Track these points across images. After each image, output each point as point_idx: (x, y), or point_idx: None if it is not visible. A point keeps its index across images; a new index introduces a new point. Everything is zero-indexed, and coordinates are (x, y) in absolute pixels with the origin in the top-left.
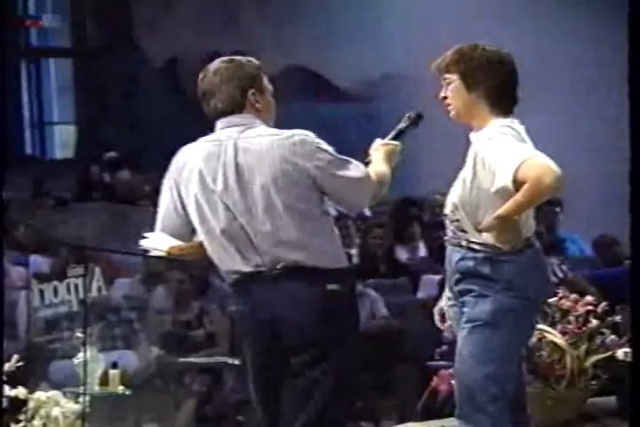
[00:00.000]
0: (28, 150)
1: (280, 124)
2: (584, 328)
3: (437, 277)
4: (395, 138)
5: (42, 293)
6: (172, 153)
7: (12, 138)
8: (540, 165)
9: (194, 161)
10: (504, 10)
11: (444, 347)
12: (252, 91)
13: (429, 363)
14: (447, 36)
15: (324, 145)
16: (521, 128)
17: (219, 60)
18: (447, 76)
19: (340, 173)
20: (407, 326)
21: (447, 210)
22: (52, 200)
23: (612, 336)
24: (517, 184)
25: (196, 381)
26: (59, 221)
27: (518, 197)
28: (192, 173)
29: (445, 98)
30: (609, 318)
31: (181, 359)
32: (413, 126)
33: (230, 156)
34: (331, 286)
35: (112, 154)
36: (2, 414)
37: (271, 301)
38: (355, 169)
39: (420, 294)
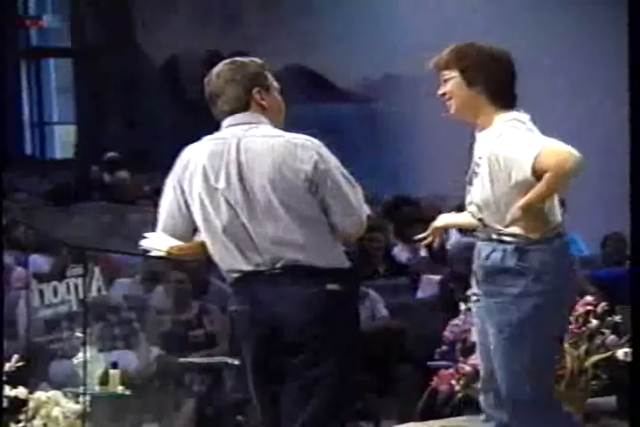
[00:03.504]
0: (28, 150)
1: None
2: (584, 328)
3: (437, 277)
4: None
5: (41, 293)
6: (173, 153)
7: (12, 138)
8: (558, 151)
9: (198, 159)
10: (504, 9)
11: (444, 347)
12: (256, 89)
13: (429, 363)
14: (447, 36)
15: (327, 152)
16: (526, 118)
17: (222, 62)
18: (446, 72)
19: (345, 187)
20: (407, 326)
21: (471, 210)
22: (51, 200)
23: (612, 336)
24: (537, 174)
25: (196, 381)
26: (59, 221)
27: (541, 185)
28: (196, 170)
29: (444, 95)
30: (609, 318)
31: (181, 359)
32: None
33: (233, 154)
34: (331, 286)
35: (112, 154)
36: (2, 414)
37: (271, 300)
38: (359, 191)
39: (420, 294)
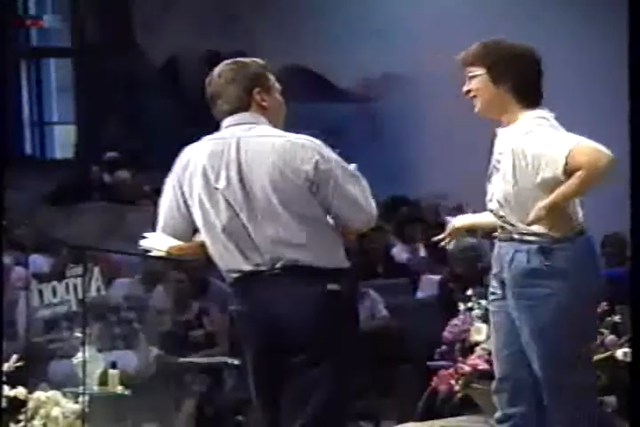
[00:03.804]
0: (28, 150)
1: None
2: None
3: (437, 277)
4: None
5: (41, 293)
6: (173, 153)
7: (12, 138)
8: (592, 150)
9: (198, 159)
10: (504, 9)
11: (444, 347)
12: (257, 89)
13: (429, 363)
14: (448, 36)
15: (329, 152)
16: (551, 116)
17: (224, 62)
18: (472, 69)
19: (349, 185)
20: (407, 326)
21: (492, 206)
22: (51, 200)
23: (612, 336)
24: (568, 172)
25: (196, 381)
26: (59, 221)
27: (571, 183)
28: (196, 170)
29: (469, 92)
30: (608, 318)
31: (181, 359)
32: None
33: (233, 154)
34: (330, 286)
35: (112, 154)
36: (2, 414)
37: (271, 300)
38: (365, 185)
39: (420, 294)
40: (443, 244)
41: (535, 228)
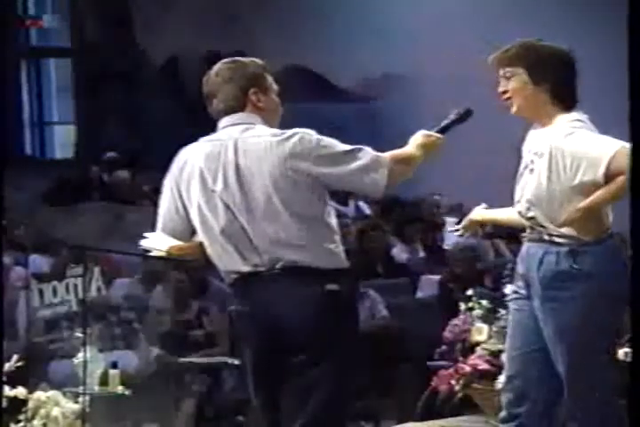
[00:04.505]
0: (28, 150)
1: (280, 124)
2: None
3: (437, 278)
4: (440, 131)
5: (41, 292)
6: (172, 153)
7: (12, 138)
8: None
9: (195, 161)
10: (504, 9)
11: (444, 347)
12: (253, 90)
13: (429, 363)
14: (448, 36)
15: (326, 140)
16: (587, 119)
17: (222, 61)
18: (509, 69)
19: (345, 166)
20: (407, 326)
21: (521, 208)
22: (51, 200)
23: None
24: (609, 176)
25: (196, 381)
26: (59, 221)
27: (611, 187)
28: (193, 172)
29: (505, 92)
30: None
31: (181, 359)
32: (460, 121)
33: (231, 156)
34: (330, 287)
35: (111, 154)
36: (2, 414)
37: (270, 301)
38: (361, 156)
39: (420, 294)
40: (458, 234)
41: (566, 230)
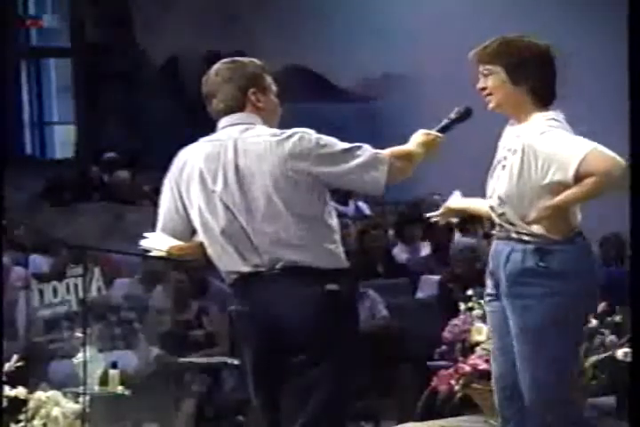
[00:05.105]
0: (28, 150)
1: (280, 124)
2: (583, 328)
3: (436, 278)
4: (440, 130)
5: (41, 292)
6: (172, 153)
7: (12, 138)
8: (607, 158)
9: (194, 161)
10: (504, 9)
11: (444, 347)
12: (252, 90)
13: (429, 363)
14: (448, 36)
15: (325, 139)
16: (563, 118)
17: (221, 61)
18: (488, 67)
19: (345, 165)
20: (407, 326)
21: (493, 203)
22: (51, 200)
23: (612, 336)
24: (579, 176)
25: (196, 381)
26: (59, 221)
27: (580, 188)
28: (192, 172)
29: (484, 89)
30: (609, 318)
31: (181, 359)
32: (460, 120)
33: (230, 156)
34: (330, 287)
35: (111, 154)
36: (2, 414)
37: (270, 301)
38: (361, 154)
39: (420, 294)
40: (433, 220)
41: (534, 228)
